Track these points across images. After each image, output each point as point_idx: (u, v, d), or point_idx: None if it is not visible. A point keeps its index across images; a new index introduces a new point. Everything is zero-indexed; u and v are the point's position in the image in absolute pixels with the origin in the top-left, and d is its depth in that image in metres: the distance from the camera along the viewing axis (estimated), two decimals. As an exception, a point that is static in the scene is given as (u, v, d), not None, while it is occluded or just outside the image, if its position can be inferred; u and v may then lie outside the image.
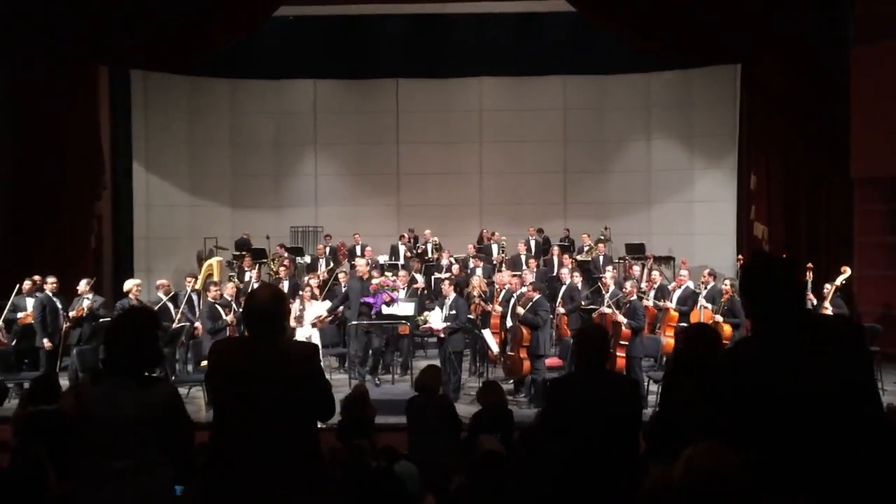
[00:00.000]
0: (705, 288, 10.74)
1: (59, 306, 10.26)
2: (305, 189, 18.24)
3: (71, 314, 10.25)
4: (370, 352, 10.71)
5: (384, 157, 18.05)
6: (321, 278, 12.83)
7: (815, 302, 10.03)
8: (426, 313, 10.39)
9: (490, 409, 6.21)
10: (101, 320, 10.12)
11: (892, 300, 11.66)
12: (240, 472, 3.05)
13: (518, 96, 17.87)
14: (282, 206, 18.02)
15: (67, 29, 13.25)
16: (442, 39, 17.24)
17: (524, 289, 10.28)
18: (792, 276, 2.80)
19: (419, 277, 13.22)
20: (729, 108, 15.90)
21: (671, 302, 10.95)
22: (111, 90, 15.24)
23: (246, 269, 13.51)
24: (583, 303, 11.72)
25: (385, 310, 10.58)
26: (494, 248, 15.45)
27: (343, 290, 11.53)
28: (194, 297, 11.03)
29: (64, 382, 8.76)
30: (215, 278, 12.23)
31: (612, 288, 10.60)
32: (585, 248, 15.28)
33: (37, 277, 10.77)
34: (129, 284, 10.25)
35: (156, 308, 10.14)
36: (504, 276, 11.55)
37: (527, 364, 9.65)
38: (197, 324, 10.52)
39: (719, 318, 9.89)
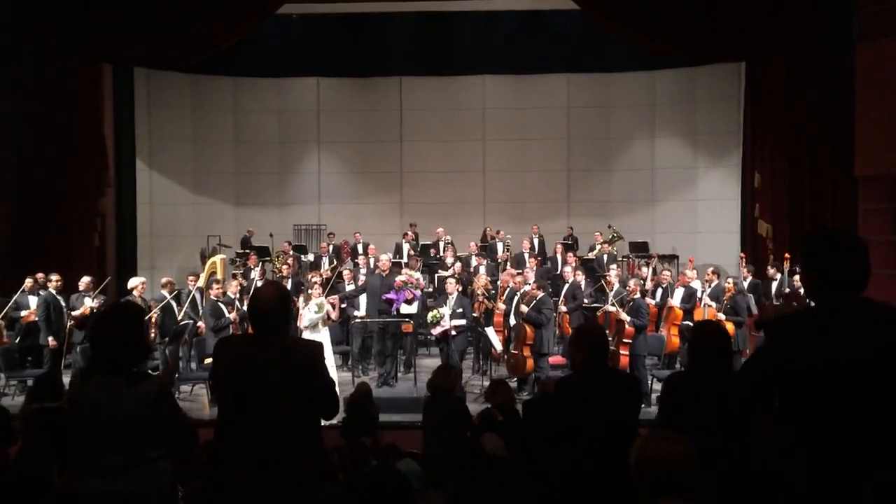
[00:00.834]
0: (709, 286, 10.73)
1: (63, 304, 10.28)
2: (308, 187, 18.24)
3: (76, 314, 10.26)
4: (382, 353, 10.61)
5: (387, 155, 18.05)
6: (324, 276, 12.82)
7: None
8: (436, 311, 10.26)
9: (497, 408, 6.18)
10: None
11: (895, 299, 11.60)
12: (243, 470, 3.04)
13: (522, 94, 17.84)
14: (285, 203, 18.02)
15: (71, 27, 13.28)
16: (445, 37, 17.22)
17: (527, 287, 10.28)
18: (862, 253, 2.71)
19: (421, 276, 13.19)
20: (733, 106, 15.86)
21: (674, 300, 10.95)
22: (115, 88, 15.23)
23: (251, 266, 13.51)
24: (586, 301, 11.72)
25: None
26: (500, 246, 15.42)
27: (350, 289, 11.54)
28: (197, 295, 11.03)
29: (67, 380, 8.75)
30: (218, 276, 12.25)
31: (616, 286, 10.59)
32: (597, 247, 15.20)
33: (40, 275, 10.81)
34: (133, 282, 10.27)
35: (160, 306, 10.17)
36: (507, 275, 11.54)
37: (530, 362, 9.64)
38: (200, 322, 10.52)
39: (722, 315, 9.87)
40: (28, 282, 10.67)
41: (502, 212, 17.38)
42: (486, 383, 8.77)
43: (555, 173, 17.82)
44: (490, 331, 10.21)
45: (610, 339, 9.67)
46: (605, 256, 14.47)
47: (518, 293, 10.32)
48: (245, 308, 10.64)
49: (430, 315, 10.30)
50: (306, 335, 9.38)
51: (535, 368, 9.60)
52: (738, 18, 12.94)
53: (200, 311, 10.78)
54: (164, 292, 10.52)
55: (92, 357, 3.34)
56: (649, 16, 13.31)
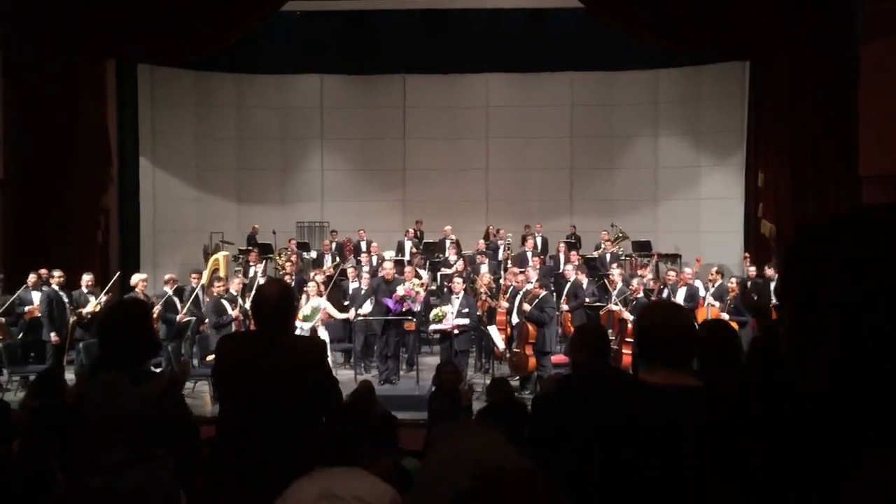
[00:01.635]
0: (713, 286, 10.72)
1: (66, 300, 10.28)
2: (311, 184, 18.24)
3: (85, 311, 10.24)
4: (384, 354, 10.62)
5: (391, 153, 18.04)
6: (326, 274, 12.83)
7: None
8: (438, 310, 10.24)
9: (495, 406, 6.18)
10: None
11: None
12: (245, 468, 3.04)
13: (525, 93, 17.83)
14: (287, 201, 18.03)
15: (74, 23, 13.27)
16: (449, 35, 17.20)
17: (530, 285, 10.27)
18: None
19: (424, 274, 13.19)
20: (737, 104, 15.83)
21: (677, 299, 10.92)
22: (118, 84, 15.23)
23: (251, 263, 13.51)
24: (587, 300, 11.71)
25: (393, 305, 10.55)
26: (501, 245, 15.40)
27: (354, 287, 11.57)
28: (200, 293, 11.04)
29: (70, 376, 8.76)
30: (221, 273, 12.25)
31: (619, 285, 10.57)
32: (602, 246, 15.17)
33: (43, 271, 10.82)
34: (135, 279, 10.29)
35: (162, 302, 10.18)
36: (509, 274, 11.53)
37: (532, 361, 9.64)
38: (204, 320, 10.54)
39: (726, 315, 9.86)
40: (31, 277, 10.69)
41: (505, 210, 17.36)
42: (489, 381, 8.76)
43: (558, 171, 17.80)
44: (493, 329, 10.21)
45: (613, 338, 9.72)
46: (608, 255, 14.46)
47: (521, 292, 10.32)
48: (248, 305, 10.66)
49: (433, 313, 10.28)
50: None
51: (538, 367, 9.60)
52: (743, 17, 12.92)
53: (203, 308, 10.79)
54: (167, 289, 10.53)
55: (99, 354, 3.34)
56: (653, 14, 13.30)
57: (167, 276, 10.90)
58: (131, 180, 16.05)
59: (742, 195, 15.56)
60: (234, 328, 10.14)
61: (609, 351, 3.96)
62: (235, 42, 14.41)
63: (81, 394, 3.22)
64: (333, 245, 15.40)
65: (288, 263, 13.46)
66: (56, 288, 10.26)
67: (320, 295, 11.03)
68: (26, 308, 10.47)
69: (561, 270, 13.04)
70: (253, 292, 3.81)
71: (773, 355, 2.74)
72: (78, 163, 13.59)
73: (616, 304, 9.93)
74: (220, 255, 13.42)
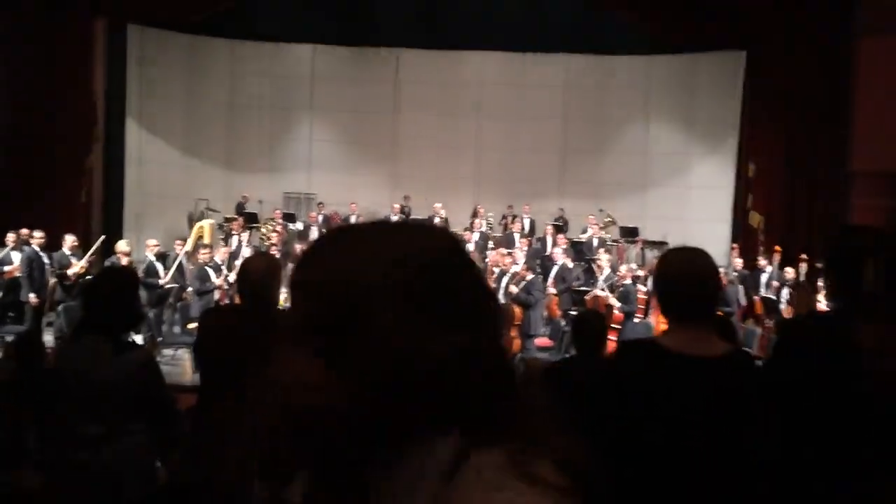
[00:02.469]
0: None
1: (46, 262, 10.10)
2: (300, 154, 18.04)
3: (70, 272, 10.01)
4: None
5: (381, 127, 17.85)
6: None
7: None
8: None
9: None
10: (87, 277, 9.97)
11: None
12: (226, 442, 2.95)
13: (519, 72, 17.67)
14: (275, 169, 17.82)
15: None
16: (446, 10, 16.98)
17: (517, 267, 10.21)
18: None
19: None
20: (731, 94, 15.73)
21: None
22: (107, 44, 14.95)
23: (233, 232, 13.36)
24: (574, 284, 11.68)
25: None
26: (483, 224, 15.24)
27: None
28: (184, 260, 10.92)
29: (49, 338, 8.65)
30: (206, 241, 12.12)
31: (606, 271, 10.54)
32: (589, 230, 15.06)
33: (24, 231, 10.63)
34: (120, 246, 10.11)
35: (144, 267, 10.04)
36: (495, 255, 11.45)
37: (517, 343, 9.59)
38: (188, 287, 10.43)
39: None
40: (11, 237, 10.49)
41: (494, 189, 17.24)
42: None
43: (548, 153, 17.69)
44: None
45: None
46: (596, 240, 14.40)
47: (507, 274, 10.26)
48: (232, 276, 10.56)
49: None
50: None
51: (521, 349, 9.55)
52: (741, 7, 12.85)
53: (186, 276, 10.67)
54: (148, 254, 10.39)
55: (82, 319, 3.24)
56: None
57: (150, 242, 10.76)
58: (117, 141, 15.82)
59: (732, 185, 15.53)
60: (217, 297, 10.05)
61: (604, 346, 3.88)
62: (228, 7, 14.18)
63: (61, 356, 3.12)
64: (320, 217, 15.26)
65: (274, 234, 13.34)
66: (36, 248, 10.08)
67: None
68: (5, 268, 10.30)
69: (548, 253, 13.00)
70: (238, 266, 3.71)
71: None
72: (63, 121, 13.37)
73: (603, 289, 9.89)
74: (206, 223, 13.27)
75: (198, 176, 17.21)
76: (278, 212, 15.23)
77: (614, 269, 10.46)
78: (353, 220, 14.88)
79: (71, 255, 10.39)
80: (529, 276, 9.72)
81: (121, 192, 16.06)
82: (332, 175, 17.67)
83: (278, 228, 13.79)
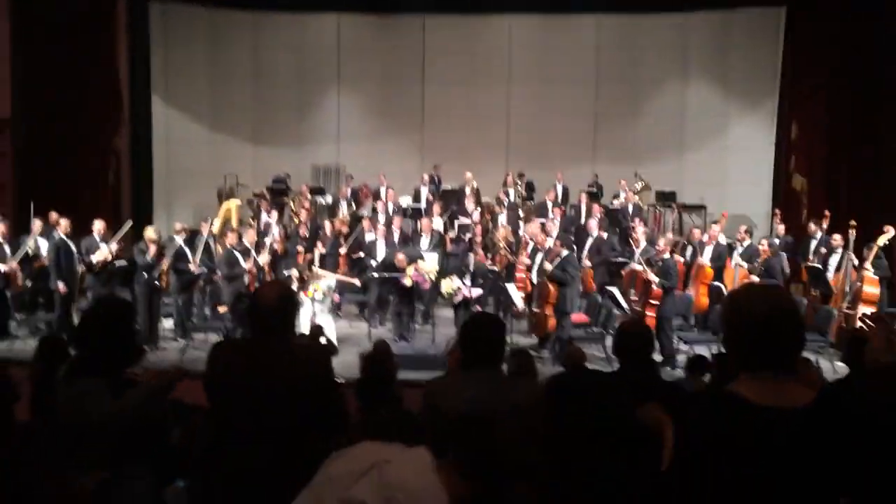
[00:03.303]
0: (741, 245, 10.33)
1: (73, 249, 9.98)
2: (328, 126, 17.79)
3: (95, 258, 9.86)
4: (396, 312, 10.42)
5: (409, 96, 17.52)
6: (346, 224, 12.40)
7: (856, 262, 9.58)
8: (448, 286, 9.91)
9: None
10: (116, 264, 9.85)
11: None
12: (238, 484, 2.74)
13: (549, 35, 17.19)
14: (303, 143, 17.61)
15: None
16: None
17: (550, 242, 9.91)
18: None
19: (440, 221, 12.79)
20: (771, 52, 15.17)
21: (703, 258, 10.56)
22: (129, 23, 14.75)
23: (263, 210, 13.18)
24: (611, 255, 11.37)
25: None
26: (511, 192, 14.86)
27: (370, 239, 11.42)
28: (211, 242, 10.79)
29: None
30: (234, 223, 11.97)
31: (643, 244, 10.21)
32: (622, 195, 14.60)
33: (53, 215, 10.53)
34: (148, 232, 9.96)
35: (173, 252, 9.90)
36: (532, 227, 11.09)
37: (552, 321, 9.33)
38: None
39: (755, 278, 9.49)
40: (37, 223, 10.40)
41: (526, 156, 16.85)
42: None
43: (581, 118, 17.24)
44: (511, 287, 9.89)
45: (636, 298, 9.41)
46: (631, 206, 13.99)
47: (542, 250, 9.97)
48: (261, 259, 10.41)
49: (444, 287, 9.94)
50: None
51: (557, 328, 9.29)
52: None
53: (215, 259, 10.54)
54: (177, 238, 10.24)
55: (76, 357, 3.01)
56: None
57: (178, 226, 10.60)
58: (143, 122, 15.70)
59: (772, 146, 15.00)
60: (247, 280, 9.90)
61: (649, 355, 3.58)
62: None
63: (58, 402, 2.90)
64: (349, 191, 15.02)
65: (302, 210, 13.12)
66: (63, 236, 9.95)
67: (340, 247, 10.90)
68: (36, 258, 10.25)
69: (583, 222, 12.66)
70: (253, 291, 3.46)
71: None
72: (88, 103, 13.25)
73: (640, 262, 9.56)
74: (233, 204, 13.09)
75: (225, 151, 17.07)
76: (304, 187, 15.00)
77: (651, 242, 10.12)
78: (381, 192, 14.63)
79: (100, 240, 10.25)
80: (564, 253, 9.40)
81: (149, 172, 15.96)
82: (360, 146, 17.44)
83: (306, 205, 13.58)
